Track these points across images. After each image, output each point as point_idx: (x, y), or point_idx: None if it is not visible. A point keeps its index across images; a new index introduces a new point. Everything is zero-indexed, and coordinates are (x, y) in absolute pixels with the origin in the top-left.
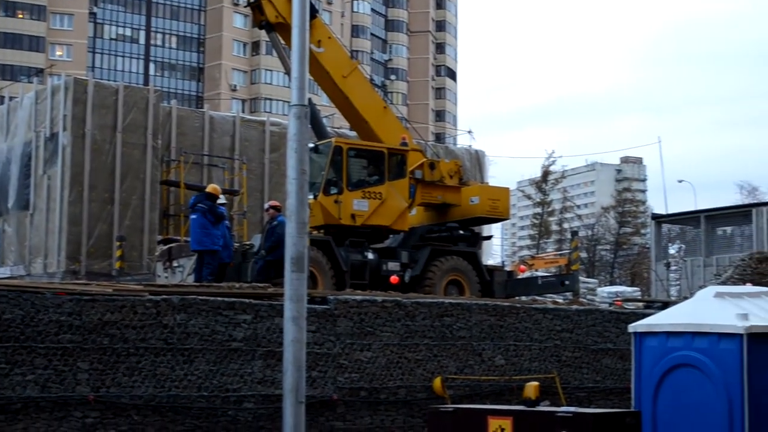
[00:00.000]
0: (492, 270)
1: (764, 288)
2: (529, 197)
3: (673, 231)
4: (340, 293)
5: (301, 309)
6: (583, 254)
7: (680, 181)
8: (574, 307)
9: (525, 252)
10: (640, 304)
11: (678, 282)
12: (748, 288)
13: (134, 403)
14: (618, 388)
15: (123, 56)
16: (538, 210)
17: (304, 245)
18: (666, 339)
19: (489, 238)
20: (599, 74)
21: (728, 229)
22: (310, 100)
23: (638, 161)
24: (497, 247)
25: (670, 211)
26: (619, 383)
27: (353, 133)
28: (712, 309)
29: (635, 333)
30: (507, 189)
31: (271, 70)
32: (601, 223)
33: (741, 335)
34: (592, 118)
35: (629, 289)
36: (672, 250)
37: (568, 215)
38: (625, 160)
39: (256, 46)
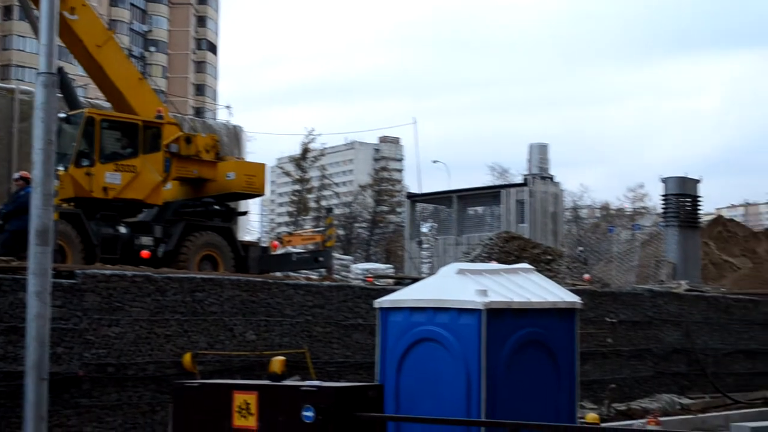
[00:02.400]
0: (247, 245)
1: (503, 265)
2: (288, 174)
3: (427, 210)
4: (88, 267)
5: (45, 283)
6: (340, 231)
7: (435, 162)
8: (326, 282)
9: (283, 228)
10: (391, 280)
11: (430, 260)
12: (489, 265)
13: None
14: (367, 362)
15: None
16: (297, 187)
17: (49, 217)
18: (410, 314)
19: (245, 213)
20: (363, 54)
21: (479, 209)
22: (61, 68)
23: (396, 141)
24: (255, 223)
25: (425, 191)
26: (369, 358)
27: (108, 104)
28: (454, 285)
29: (381, 308)
30: (263, 165)
31: (23, 37)
32: (358, 201)
33: (480, 310)
34: (354, 97)
35: (382, 266)
36: (425, 229)
37: (326, 193)
38: (384, 139)
39: (7, 11)
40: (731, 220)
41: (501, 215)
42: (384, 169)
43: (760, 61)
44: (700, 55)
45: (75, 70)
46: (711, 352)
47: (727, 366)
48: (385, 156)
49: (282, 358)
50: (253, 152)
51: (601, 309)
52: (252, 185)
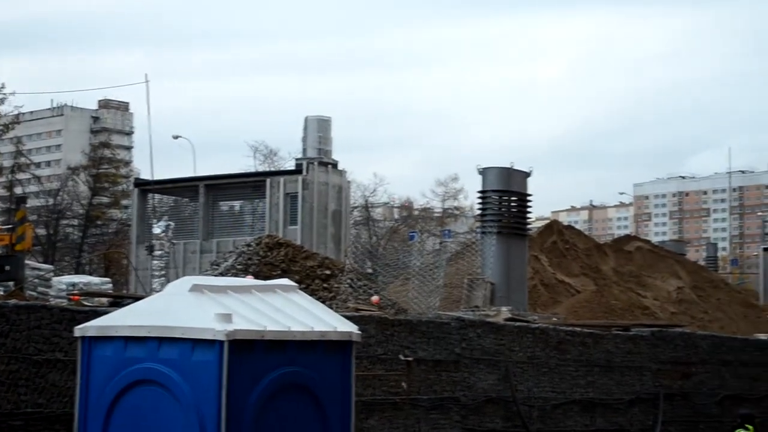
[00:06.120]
0: None
1: (256, 281)
2: None
3: (163, 204)
4: None
5: None
6: (39, 230)
7: (176, 137)
8: (12, 301)
9: None
10: (105, 300)
11: (164, 272)
12: (235, 281)
13: None
14: (69, 413)
15: None
16: None
17: None
18: (124, 346)
19: None
20: None
21: (236, 204)
22: None
23: (123, 107)
24: None
25: (161, 177)
26: (72, 407)
27: None
28: (187, 307)
29: (83, 337)
30: None
31: None
32: (67, 189)
33: (221, 342)
34: (65, 46)
35: (97, 279)
36: (158, 230)
37: (21, 176)
38: (105, 104)
39: None
40: (570, 228)
41: (265, 213)
42: (105, 145)
43: (614, 21)
44: (543, 12)
45: None
46: (537, 402)
47: (558, 421)
48: (107, 127)
49: None
50: None
51: (393, 343)
52: None
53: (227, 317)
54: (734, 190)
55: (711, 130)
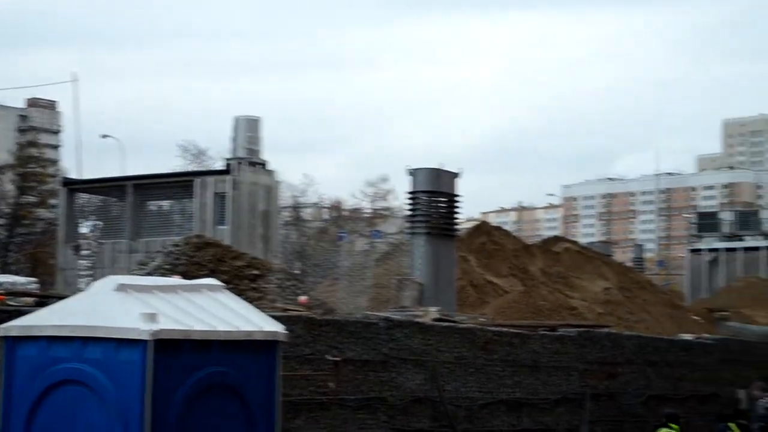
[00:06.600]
0: None
1: (181, 281)
2: None
3: (91, 203)
4: None
5: None
6: None
7: (104, 137)
8: None
9: None
10: (31, 299)
11: (92, 272)
12: (161, 280)
13: None
14: None
15: None
16: None
17: None
18: (48, 346)
19: None
20: None
21: (164, 203)
22: None
23: (51, 106)
24: None
25: (89, 177)
26: None
27: None
28: (112, 306)
29: (6, 337)
30: None
31: None
32: None
33: (146, 342)
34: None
35: (23, 279)
36: (85, 229)
37: None
38: (33, 103)
39: None
40: (498, 229)
41: (194, 213)
42: (32, 144)
43: (546, 22)
44: (478, 13)
45: None
46: (464, 402)
47: (485, 421)
48: (35, 126)
49: None
50: None
51: (321, 343)
52: None
53: (152, 317)
54: (662, 192)
55: (639, 133)
